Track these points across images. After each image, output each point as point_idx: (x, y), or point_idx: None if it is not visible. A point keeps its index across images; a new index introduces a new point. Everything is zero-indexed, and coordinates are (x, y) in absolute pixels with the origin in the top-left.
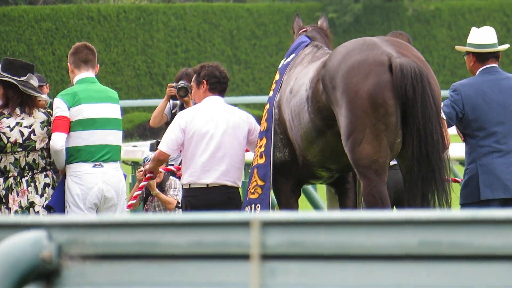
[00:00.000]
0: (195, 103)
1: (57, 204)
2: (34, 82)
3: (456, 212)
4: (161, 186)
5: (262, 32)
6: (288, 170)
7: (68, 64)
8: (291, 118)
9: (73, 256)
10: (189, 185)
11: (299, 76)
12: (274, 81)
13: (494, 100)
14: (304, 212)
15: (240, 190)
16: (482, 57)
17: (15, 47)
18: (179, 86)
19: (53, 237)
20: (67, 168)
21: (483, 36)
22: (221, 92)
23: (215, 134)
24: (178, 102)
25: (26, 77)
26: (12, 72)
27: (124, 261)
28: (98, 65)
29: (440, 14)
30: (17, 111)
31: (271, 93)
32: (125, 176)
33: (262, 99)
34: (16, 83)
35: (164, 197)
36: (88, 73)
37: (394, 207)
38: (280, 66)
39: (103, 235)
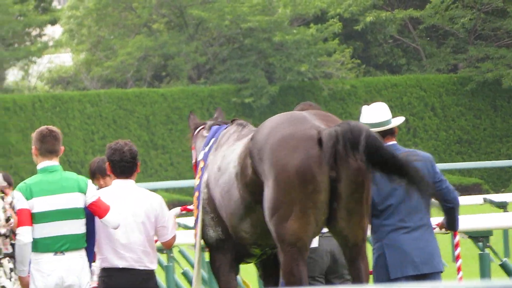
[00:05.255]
0: None
1: None
2: None
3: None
4: None
5: (178, 116)
6: (225, 247)
7: (33, 147)
8: (221, 196)
9: None
10: (104, 267)
11: (226, 154)
12: (200, 169)
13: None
14: None
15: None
16: (381, 136)
17: None
18: None
19: None
20: (31, 256)
21: (374, 114)
22: (124, 174)
23: (125, 221)
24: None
25: None
26: None
27: None
28: (63, 148)
29: (356, 92)
30: None
31: (197, 182)
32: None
33: (181, 183)
34: None
35: None
36: (50, 162)
37: (329, 274)
38: (201, 156)
39: None
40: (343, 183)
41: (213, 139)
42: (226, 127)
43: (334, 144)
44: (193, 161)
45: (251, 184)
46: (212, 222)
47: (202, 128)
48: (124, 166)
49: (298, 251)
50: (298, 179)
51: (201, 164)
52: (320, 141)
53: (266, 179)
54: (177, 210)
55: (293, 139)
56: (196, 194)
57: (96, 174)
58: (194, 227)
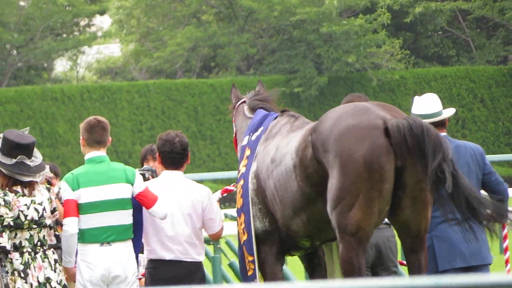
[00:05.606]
0: None
1: None
2: (33, 163)
3: (421, 279)
4: None
5: (226, 107)
6: (271, 239)
7: (81, 137)
8: (275, 188)
9: None
10: (151, 258)
11: (280, 145)
12: (245, 157)
13: None
14: (272, 284)
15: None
16: None
17: None
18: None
19: None
20: (78, 247)
21: (426, 105)
22: (174, 165)
23: (172, 213)
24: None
25: (17, 158)
26: (4, 152)
27: None
28: (111, 138)
29: (406, 83)
30: (18, 189)
31: (243, 169)
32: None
33: (229, 174)
34: (0, 167)
35: None
36: (98, 152)
37: (375, 267)
38: (246, 142)
39: None
40: (409, 172)
41: (261, 128)
42: (276, 117)
43: (403, 135)
44: (234, 134)
45: (313, 176)
46: (259, 214)
47: (243, 102)
48: (174, 158)
49: (358, 241)
50: (365, 169)
51: (247, 152)
52: (386, 131)
53: (331, 169)
54: (218, 194)
55: (359, 129)
56: (241, 182)
57: (147, 156)
58: (238, 216)
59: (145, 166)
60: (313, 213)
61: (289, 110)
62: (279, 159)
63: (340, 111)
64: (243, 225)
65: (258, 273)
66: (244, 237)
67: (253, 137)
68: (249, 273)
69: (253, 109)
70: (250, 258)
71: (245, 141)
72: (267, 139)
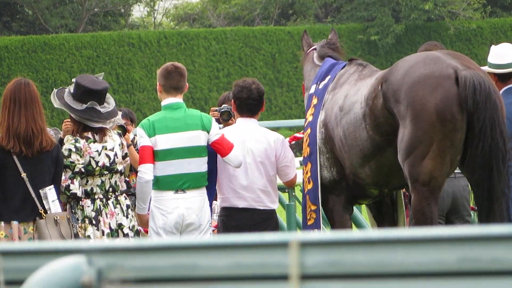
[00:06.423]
0: None
1: None
2: (104, 109)
3: (494, 228)
4: None
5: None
6: (338, 188)
7: (158, 83)
8: (344, 136)
9: (113, 280)
10: (224, 206)
11: (349, 94)
12: (312, 106)
13: None
14: (342, 231)
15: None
16: (503, 77)
17: (56, 75)
18: (222, 110)
19: (93, 262)
20: (152, 194)
21: (502, 55)
22: (250, 112)
23: (245, 161)
24: (220, 126)
25: (88, 104)
26: (76, 97)
27: (164, 284)
28: (187, 85)
29: (482, 32)
30: (89, 135)
31: (310, 118)
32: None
33: None
34: (70, 113)
35: None
36: (175, 99)
37: (450, 215)
38: (313, 91)
39: (142, 259)
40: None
41: (328, 77)
42: (344, 66)
43: (473, 87)
44: (304, 81)
45: (383, 125)
46: (327, 163)
47: (314, 49)
48: (251, 104)
49: (431, 191)
50: (438, 118)
51: (315, 101)
52: (457, 80)
53: (403, 119)
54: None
55: (431, 78)
56: (308, 131)
57: (225, 103)
58: (304, 164)
59: (224, 106)
60: (382, 161)
61: (357, 58)
62: (348, 108)
63: (411, 60)
64: (309, 174)
65: (320, 221)
66: (309, 186)
67: (320, 86)
68: (309, 222)
69: (322, 57)
70: (313, 207)
71: (312, 90)
72: (335, 87)
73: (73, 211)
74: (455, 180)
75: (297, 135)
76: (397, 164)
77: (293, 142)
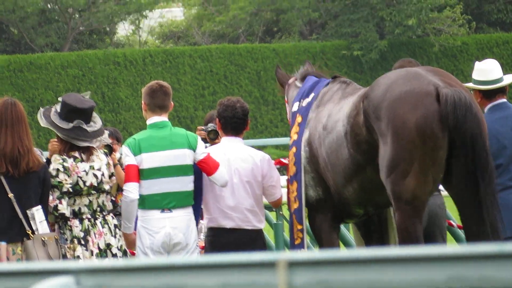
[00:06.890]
0: None
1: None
2: (91, 128)
3: (483, 246)
4: None
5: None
6: (325, 207)
7: (143, 102)
8: (327, 155)
9: None
10: (211, 226)
11: (332, 112)
12: (296, 124)
13: (506, 138)
14: (329, 250)
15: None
16: (488, 94)
17: (43, 94)
18: (209, 129)
19: (81, 282)
20: (138, 213)
21: (486, 71)
22: (235, 131)
23: (231, 181)
24: (207, 144)
25: (74, 122)
26: (62, 116)
27: None
28: (172, 103)
29: (468, 49)
30: (76, 154)
31: (295, 137)
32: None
33: None
34: (57, 132)
35: None
36: (160, 118)
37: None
38: (296, 108)
39: (130, 279)
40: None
41: (312, 94)
42: (327, 83)
43: (453, 104)
44: (288, 115)
45: (364, 143)
46: (312, 182)
47: (295, 79)
48: (236, 123)
49: (414, 209)
50: (419, 136)
51: (299, 119)
52: (438, 97)
53: (383, 136)
54: None
55: (412, 95)
56: (293, 149)
57: (212, 122)
58: (289, 184)
59: (211, 124)
60: (364, 180)
61: (340, 76)
62: (331, 127)
63: (391, 77)
64: (294, 193)
65: (305, 242)
66: (295, 205)
67: (304, 103)
68: (297, 242)
69: (302, 78)
70: (299, 227)
71: (295, 107)
72: (319, 105)
73: (62, 231)
74: (431, 198)
75: (283, 160)
76: (379, 182)
77: (278, 166)
